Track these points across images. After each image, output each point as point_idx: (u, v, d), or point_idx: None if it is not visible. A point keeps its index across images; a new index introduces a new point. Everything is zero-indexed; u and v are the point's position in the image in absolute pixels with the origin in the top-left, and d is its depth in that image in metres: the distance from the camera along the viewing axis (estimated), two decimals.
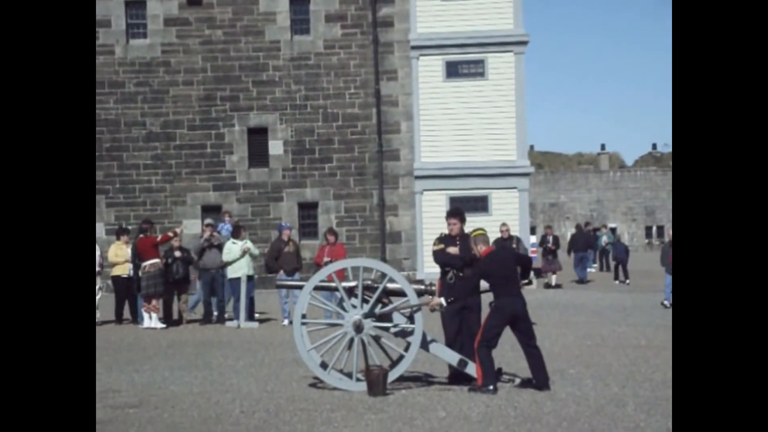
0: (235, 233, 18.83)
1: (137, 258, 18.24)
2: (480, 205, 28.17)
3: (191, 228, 27.99)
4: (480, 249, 10.39)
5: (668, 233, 22.89)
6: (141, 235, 18.43)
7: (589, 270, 35.60)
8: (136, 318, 18.48)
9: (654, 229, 63.31)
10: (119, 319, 18.76)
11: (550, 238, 28.53)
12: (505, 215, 26.80)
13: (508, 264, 10.30)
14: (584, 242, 31.99)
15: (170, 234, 18.75)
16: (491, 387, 9.84)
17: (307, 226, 28.92)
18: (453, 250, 10.91)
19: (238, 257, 18.18)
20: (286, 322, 18.04)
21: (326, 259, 17.51)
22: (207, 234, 19.05)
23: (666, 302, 20.95)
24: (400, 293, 10.38)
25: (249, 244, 18.52)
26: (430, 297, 10.66)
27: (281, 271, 18.25)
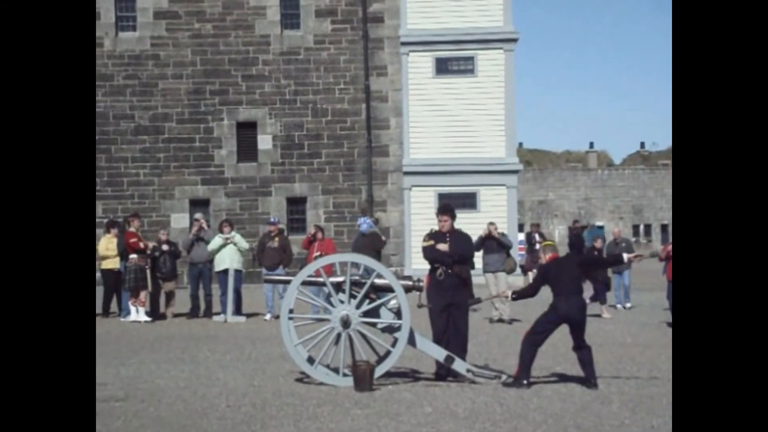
0: (221, 228, 18.81)
1: (124, 251, 18.21)
2: (468, 201, 28.16)
3: (179, 222, 27.98)
4: (546, 257, 10.54)
5: (611, 233, 22.22)
6: (129, 229, 18.38)
7: None
8: (121, 312, 18.44)
9: (641, 227, 63.50)
10: (106, 312, 18.70)
11: (536, 236, 28.51)
12: (494, 212, 26.82)
13: (567, 269, 10.38)
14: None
15: (147, 247, 18.30)
16: (525, 381, 10.00)
17: (296, 221, 28.90)
18: (443, 246, 10.92)
19: (216, 248, 18.16)
20: (268, 316, 18.06)
21: (316, 253, 17.54)
22: (195, 228, 19.02)
23: (618, 305, 20.37)
24: (388, 289, 10.39)
25: (237, 237, 18.50)
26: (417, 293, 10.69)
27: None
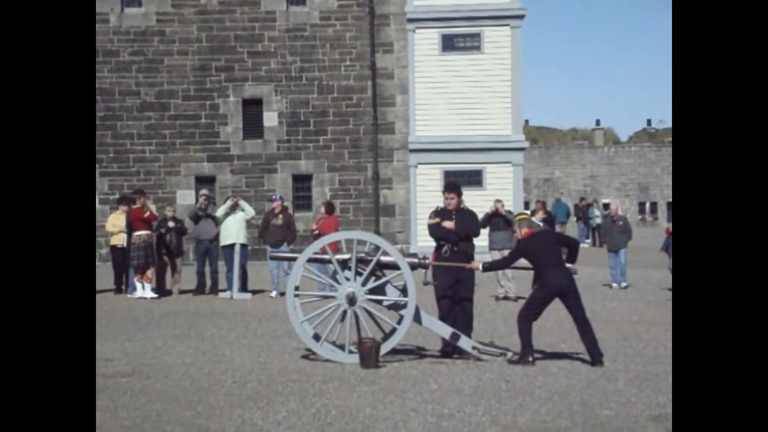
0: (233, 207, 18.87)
1: (129, 228, 18.22)
2: (474, 179, 28.11)
3: (185, 199, 27.95)
4: (522, 232, 10.51)
5: (614, 211, 21.45)
6: (133, 206, 18.39)
7: (582, 245, 35.61)
8: (128, 288, 18.48)
9: (647, 205, 63.39)
10: (119, 288, 18.72)
11: (540, 213, 28.38)
12: (499, 190, 26.78)
13: (547, 243, 10.39)
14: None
15: (157, 215, 18.74)
16: (530, 359, 10.03)
17: (301, 198, 28.89)
18: (448, 224, 10.92)
19: (224, 213, 18.27)
20: (273, 293, 18.11)
21: (313, 226, 17.68)
22: (202, 199, 19.14)
23: (615, 284, 20.18)
24: (394, 266, 10.39)
25: (243, 202, 18.68)
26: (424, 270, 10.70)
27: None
